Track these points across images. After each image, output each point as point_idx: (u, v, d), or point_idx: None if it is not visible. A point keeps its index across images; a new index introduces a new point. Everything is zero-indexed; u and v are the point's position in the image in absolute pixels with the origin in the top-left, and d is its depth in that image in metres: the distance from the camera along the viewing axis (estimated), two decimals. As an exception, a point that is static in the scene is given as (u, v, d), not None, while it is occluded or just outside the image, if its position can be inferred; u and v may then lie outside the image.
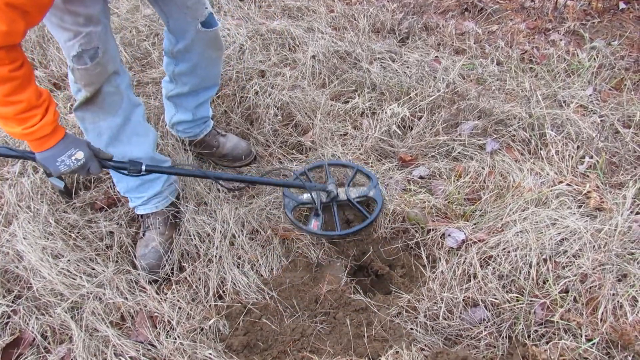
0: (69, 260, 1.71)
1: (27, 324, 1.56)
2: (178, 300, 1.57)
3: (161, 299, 1.59)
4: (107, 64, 1.40)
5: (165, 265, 1.69)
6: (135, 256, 1.73)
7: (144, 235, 1.76)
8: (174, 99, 1.87)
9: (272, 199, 1.91)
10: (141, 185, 1.70)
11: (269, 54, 2.57)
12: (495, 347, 1.44)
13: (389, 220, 1.79)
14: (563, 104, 2.27)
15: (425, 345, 1.45)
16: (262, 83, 2.40)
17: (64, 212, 1.87)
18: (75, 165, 1.33)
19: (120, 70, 1.47)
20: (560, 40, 2.82)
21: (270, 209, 1.87)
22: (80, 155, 1.33)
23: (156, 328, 1.52)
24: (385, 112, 2.22)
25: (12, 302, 1.62)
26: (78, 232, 1.82)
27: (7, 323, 1.58)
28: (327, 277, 1.64)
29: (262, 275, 1.68)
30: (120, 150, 1.55)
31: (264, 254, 1.73)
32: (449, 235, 1.73)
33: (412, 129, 2.18)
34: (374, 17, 2.90)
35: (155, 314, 1.55)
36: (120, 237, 1.80)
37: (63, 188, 1.48)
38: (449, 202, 1.83)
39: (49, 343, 1.52)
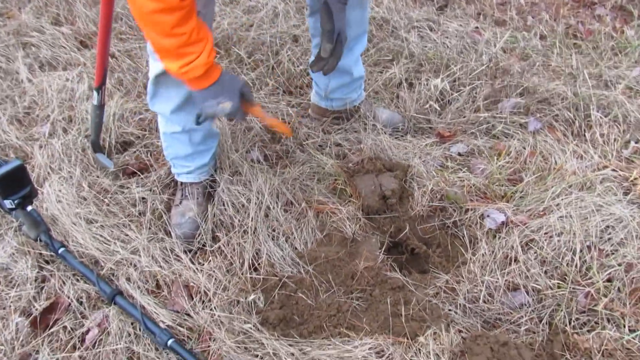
0: (102, 226, 1.72)
1: (62, 290, 1.57)
2: (213, 271, 1.58)
3: (196, 269, 1.59)
4: (207, 20, 1.35)
5: (200, 235, 1.69)
6: (169, 224, 1.73)
7: (180, 203, 1.76)
8: None
9: (307, 169, 1.90)
10: (190, 155, 1.71)
11: (303, 18, 2.52)
12: (535, 332, 1.43)
13: (427, 198, 1.76)
14: (609, 84, 2.21)
15: (463, 328, 1.44)
16: (296, 49, 2.36)
17: (97, 176, 1.87)
18: (221, 113, 1.38)
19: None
20: (607, 15, 2.73)
21: (303, 180, 1.87)
22: (227, 105, 1.37)
23: (192, 298, 1.53)
24: (424, 85, 2.18)
25: (46, 264, 1.63)
26: (111, 198, 1.83)
27: (42, 288, 1.59)
28: (363, 253, 1.63)
29: (296, 249, 1.68)
30: (183, 119, 1.58)
31: (299, 227, 1.72)
32: (488, 216, 1.71)
33: (451, 103, 2.14)
34: (412, -17, 2.81)
35: (192, 283, 1.56)
36: (153, 204, 1.80)
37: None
38: (489, 182, 1.80)
39: (85, 308, 1.54)
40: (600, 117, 2.02)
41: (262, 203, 1.74)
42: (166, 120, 1.64)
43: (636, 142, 1.96)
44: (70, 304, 1.56)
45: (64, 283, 1.60)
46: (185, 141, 1.67)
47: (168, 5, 1.11)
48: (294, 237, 1.69)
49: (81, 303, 1.56)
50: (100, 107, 1.82)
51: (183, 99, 1.53)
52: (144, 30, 1.21)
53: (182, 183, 1.79)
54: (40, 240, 1.65)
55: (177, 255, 1.66)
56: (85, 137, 2.02)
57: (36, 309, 1.54)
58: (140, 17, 1.16)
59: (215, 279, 1.56)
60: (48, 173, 1.93)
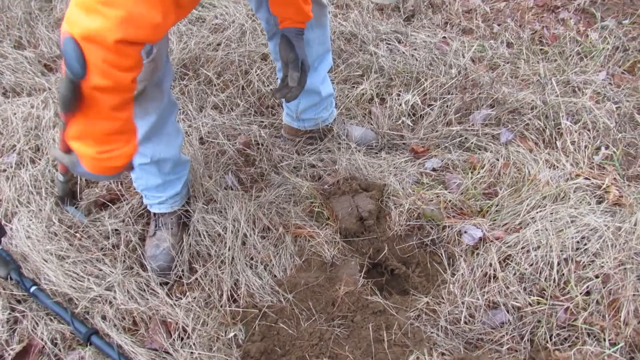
0: (75, 262, 1.67)
1: (35, 331, 1.51)
2: (192, 306, 1.54)
3: (174, 303, 1.55)
4: (159, 60, 1.30)
5: (176, 267, 1.65)
6: (144, 256, 1.68)
7: (154, 234, 1.72)
8: None
9: (282, 192, 1.87)
10: (161, 185, 1.66)
11: (272, 36, 2.48)
12: (517, 351, 1.43)
13: (404, 217, 1.75)
14: (577, 90, 2.23)
15: (446, 350, 1.43)
16: (265, 67, 2.33)
17: (67, 210, 1.81)
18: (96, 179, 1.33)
19: (166, 66, 1.40)
20: (570, 18, 2.76)
21: (279, 203, 1.84)
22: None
23: (171, 335, 1.49)
24: (395, 100, 2.17)
25: (18, 304, 1.57)
26: (82, 232, 1.77)
27: (14, 330, 1.53)
28: (343, 278, 1.62)
29: (275, 276, 1.65)
30: (150, 149, 1.51)
31: (277, 253, 1.70)
32: (466, 232, 1.71)
33: (423, 117, 2.13)
34: (379, -5, 2.79)
35: (169, 319, 1.52)
36: (127, 236, 1.75)
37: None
38: (464, 197, 1.80)
39: (59, 350, 1.49)
40: (570, 125, 2.03)
41: (238, 231, 1.71)
42: (138, 155, 1.58)
43: (606, 148, 1.98)
44: (44, 346, 1.50)
45: (37, 324, 1.54)
46: (154, 172, 1.62)
47: (116, 84, 0.98)
48: (273, 265, 1.67)
49: (56, 345, 1.50)
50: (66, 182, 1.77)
51: (149, 129, 1.47)
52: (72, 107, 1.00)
53: (155, 213, 1.75)
54: (11, 279, 1.59)
55: (153, 290, 1.61)
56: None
57: (9, 354, 1.48)
58: (84, 89, 0.98)
59: (194, 313, 1.52)
60: (16, 207, 1.86)
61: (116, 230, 1.78)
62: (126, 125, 1.10)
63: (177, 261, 1.67)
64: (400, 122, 2.09)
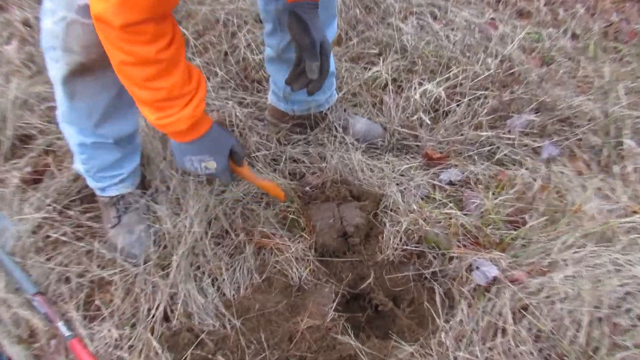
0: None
1: None
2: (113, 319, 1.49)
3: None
4: None
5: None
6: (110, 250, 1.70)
7: (119, 222, 1.72)
8: (286, 55, 1.76)
9: (252, 189, 1.83)
10: (121, 159, 1.68)
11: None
12: None
13: (401, 239, 1.69)
14: (651, 104, 2.13)
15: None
16: (257, 32, 2.28)
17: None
18: (203, 172, 1.45)
19: None
20: (659, 12, 2.65)
21: (247, 203, 1.80)
22: (212, 165, 1.43)
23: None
24: (415, 89, 2.11)
25: None
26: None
27: None
28: (309, 308, 1.56)
29: (224, 295, 1.61)
30: (116, 129, 1.57)
31: (231, 266, 1.65)
32: (478, 268, 1.64)
33: (446, 115, 2.08)
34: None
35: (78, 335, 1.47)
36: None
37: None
38: (482, 223, 1.73)
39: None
40: (635, 147, 1.94)
41: (188, 230, 1.66)
42: (89, 133, 1.57)
43: (678, 183, 1.87)
44: None
45: None
46: (112, 148, 1.63)
47: (139, 59, 1.13)
48: (223, 280, 1.62)
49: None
50: None
51: (108, 105, 1.48)
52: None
53: (113, 197, 1.74)
54: None
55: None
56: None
57: None
58: (112, 63, 1.18)
59: (108, 330, 1.48)
60: None
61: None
62: (173, 92, 1.21)
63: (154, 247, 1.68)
64: (416, 117, 2.04)
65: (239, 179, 1.75)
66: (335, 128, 1.98)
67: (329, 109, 1.98)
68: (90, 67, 1.35)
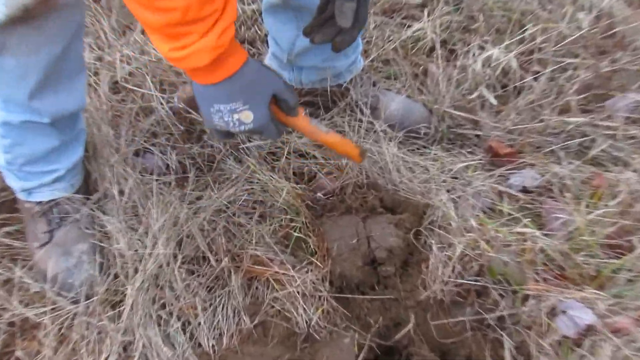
0: None
1: None
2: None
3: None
4: None
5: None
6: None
7: (51, 239, 1.70)
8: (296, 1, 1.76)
9: (241, 195, 1.82)
10: (59, 148, 1.66)
11: None
12: None
13: (453, 268, 1.63)
14: None
15: None
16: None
17: None
18: (237, 129, 1.40)
19: None
20: None
21: (233, 214, 1.79)
22: (247, 117, 1.37)
23: None
24: (474, 55, 2.09)
25: None
26: None
27: None
28: None
29: (200, 346, 1.57)
30: (55, 103, 1.54)
31: (210, 304, 1.63)
32: (564, 312, 1.58)
33: (519, 93, 2.05)
34: None
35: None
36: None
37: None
38: (571, 248, 1.67)
39: None
40: None
41: (150, 253, 1.64)
42: (18, 107, 1.55)
43: None
44: None
45: None
46: (48, 131, 1.61)
47: None
48: (199, 324, 1.58)
49: None
50: None
51: (47, 68, 1.45)
52: None
53: (44, 204, 1.72)
54: None
55: None
56: None
57: None
58: None
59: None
60: None
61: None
62: (189, 13, 1.15)
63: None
64: (476, 96, 2.01)
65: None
66: (361, 109, 1.95)
67: (351, 81, 1.96)
68: (33, 13, 1.34)
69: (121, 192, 1.77)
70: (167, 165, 1.89)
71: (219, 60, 1.26)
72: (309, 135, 1.57)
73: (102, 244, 1.69)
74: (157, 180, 1.81)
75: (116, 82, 2.03)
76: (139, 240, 1.67)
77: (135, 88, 2.01)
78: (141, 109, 1.97)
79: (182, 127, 1.96)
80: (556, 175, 1.86)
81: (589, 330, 1.54)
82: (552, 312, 1.58)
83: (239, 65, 1.31)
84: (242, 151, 1.91)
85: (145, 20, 1.19)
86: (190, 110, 1.98)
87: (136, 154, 1.89)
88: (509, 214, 1.77)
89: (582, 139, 1.95)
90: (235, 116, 1.36)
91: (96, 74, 2.02)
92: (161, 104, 1.97)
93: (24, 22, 1.35)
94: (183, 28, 1.18)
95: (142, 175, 1.82)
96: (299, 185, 1.84)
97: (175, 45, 1.21)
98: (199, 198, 1.80)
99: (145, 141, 1.92)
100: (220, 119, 1.38)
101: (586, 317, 1.55)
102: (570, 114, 1.97)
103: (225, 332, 1.59)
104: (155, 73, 2.05)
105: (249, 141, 1.93)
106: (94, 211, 1.75)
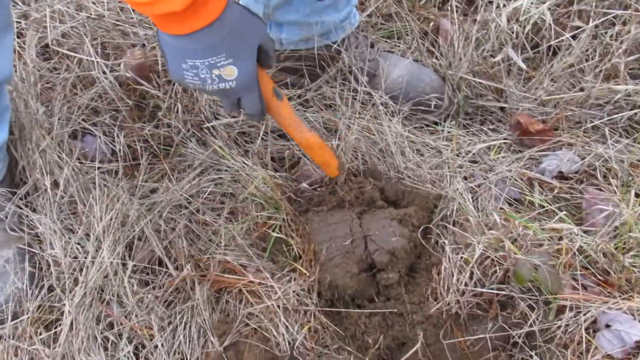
0: None
1: None
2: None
3: None
4: None
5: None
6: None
7: None
8: None
9: (206, 186, 1.87)
10: None
11: None
12: None
13: (471, 275, 1.68)
14: None
15: None
16: None
17: None
18: (214, 86, 1.40)
19: None
20: None
21: (196, 211, 1.83)
22: (230, 73, 1.38)
23: None
24: (497, 6, 2.12)
25: None
26: None
27: None
28: None
29: None
30: None
31: (170, 321, 1.68)
32: (608, 325, 1.64)
33: (554, 55, 2.09)
34: None
35: None
36: None
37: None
38: (617, 248, 1.73)
39: None
40: None
41: (92, 261, 1.67)
42: None
43: None
44: None
45: None
46: None
47: None
48: (155, 347, 1.63)
49: None
50: None
51: None
52: None
53: None
54: None
55: None
56: None
57: None
58: None
59: None
60: None
61: None
62: None
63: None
64: (500, 59, 2.04)
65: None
66: (355, 76, 1.98)
67: (343, 41, 1.99)
68: None
69: (55, 184, 1.79)
70: (113, 150, 1.89)
71: (196, 3, 1.24)
72: (289, 127, 1.62)
73: (32, 249, 1.72)
74: (100, 168, 1.82)
75: (46, 46, 2.02)
76: (79, 244, 1.69)
77: (70, 53, 2.00)
78: (79, 80, 1.96)
79: (130, 102, 1.96)
80: (600, 157, 1.90)
81: (639, 347, 1.59)
82: (594, 327, 1.63)
83: (221, 10, 1.30)
84: (206, 131, 1.91)
85: None
86: (141, 80, 1.96)
87: (73, 136, 1.90)
88: (541, 206, 1.80)
89: (632, 112, 1.97)
90: (215, 72, 1.37)
91: (20, 35, 2.00)
92: (104, 72, 1.96)
93: None
94: None
95: (80, 162, 1.82)
96: (278, 174, 1.85)
97: None
98: (153, 191, 1.82)
99: (84, 120, 1.92)
100: (195, 76, 1.39)
101: (635, 332, 1.60)
102: (618, 80, 1.99)
103: (189, 358, 1.62)
104: (96, 34, 2.04)
105: (215, 118, 1.94)
106: (21, 208, 1.77)
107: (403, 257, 1.72)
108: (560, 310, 1.67)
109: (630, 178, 1.88)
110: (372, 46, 2.03)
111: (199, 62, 1.35)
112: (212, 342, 1.65)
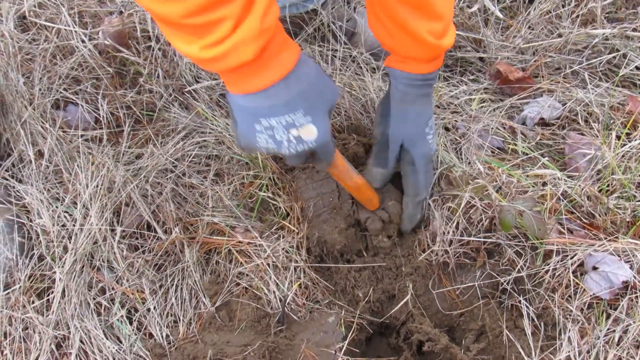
0: None
1: None
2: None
3: None
4: None
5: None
6: None
7: None
8: None
9: (190, 149, 1.87)
10: None
11: None
12: None
13: (457, 224, 1.69)
14: None
15: None
16: None
17: None
18: (292, 149, 1.32)
19: None
20: None
21: (182, 173, 1.83)
22: (309, 133, 1.31)
23: None
24: None
25: None
26: None
27: None
28: (301, 351, 1.57)
29: (152, 337, 1.62)
30: None
31: (161, 284, 1.68)
32: (595, 267, 1.64)
33: (531, 2, 2.10)
34: None
35: None
36: None
37: None
38: (601, 190, 1.73)
39: None
40: None
41: (80, 228, 1.68)
42: None
43: None
44: None
45: None
46: None
47: None
48: (148, 310, 1.64)
49: None
50: None
51: None
52: None
53: None
54: None
55: None
56: None
57: None
58: None
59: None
60: None
61: None
62: None
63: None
64: (477, 8, 2.04)
65: None
66: (334, 34, 1.98)
67: (324, 2, 1.98)
68: None
69: (39, 154, 1.79)
70: (96, 118, 1.89)
71: (267, 54, 1.20)
72: (340, 175, 1.57)
73: (20, 220, 1.72)
74: (83, 136, 1.83)
75: (23, 17, 2.01)
76: (67, 212, 1.69)
77: (48, 24, 1.99)
78: (58, 49, 1.96)
79: (111, 70, 1.95)
80: (580, 102, 1.90)
81: (627, 288, 1.59)
82: (581, 270, 1.64)
83: (294, 62, 1.26)
84: (188, 95, 1.91)
85: (158, 14, 1.13)
86: (121, 47, 1.96)
87: (56, 106, 1.89)
88: (524, 154, 1.81)
89: (610, 55, 1.97)
90: (294, 132, 1.29)
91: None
92: (82, 41, 1.95)
93: None
94: (209, 15, 1.10)
95: (64, 131, 1.82)
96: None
97: (206, 42, 1.13)
98: (138, 157, 1.82)
99: (65, 89, 1.92)
100: (270, 138, 1.31)
101: (622, 272, 1.60)
102: (595, 24, 1.99)
103: (181, 319, 1.63)
104: (72, 3, 2.03)
105: (197, 81, 1.93)
106: (7, 180, 1.76)
107: (396, 220, 1.75)
108: (547, 255, 1.67)
109: (611, 121, 1.88)
110: (347, 4, 2.03)
111: (275, 121, 1.27)
112: (203, 303, 1.66)
